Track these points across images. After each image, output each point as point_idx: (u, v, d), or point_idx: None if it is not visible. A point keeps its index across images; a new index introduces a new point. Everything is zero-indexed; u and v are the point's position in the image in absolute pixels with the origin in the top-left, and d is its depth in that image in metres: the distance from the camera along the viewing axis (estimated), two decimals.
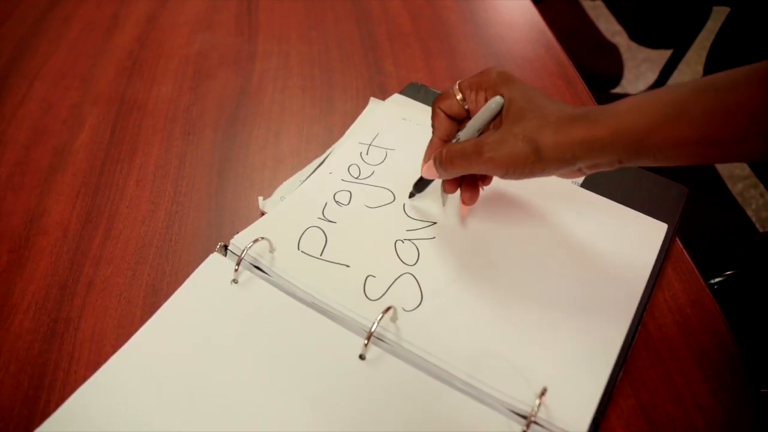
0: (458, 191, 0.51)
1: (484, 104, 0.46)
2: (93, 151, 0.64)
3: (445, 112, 0.49)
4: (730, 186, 0.96)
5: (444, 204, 0.55)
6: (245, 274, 0.49)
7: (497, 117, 0.45)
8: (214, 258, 0.50)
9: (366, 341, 0.43)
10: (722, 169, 1.08)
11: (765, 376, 0.45)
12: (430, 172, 0.49)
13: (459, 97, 0.47)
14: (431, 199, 0.56)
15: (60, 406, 0.42)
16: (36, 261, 0.53)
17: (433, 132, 0.50)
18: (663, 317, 0.49)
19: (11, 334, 0.48)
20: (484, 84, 0.46)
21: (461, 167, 0.45)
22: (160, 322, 0.46)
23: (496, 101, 0.44)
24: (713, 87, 0.35)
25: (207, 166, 0.62)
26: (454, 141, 0.48)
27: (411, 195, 0.56)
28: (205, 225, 0.56)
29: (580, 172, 0.42)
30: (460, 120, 0.49)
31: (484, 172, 0.45)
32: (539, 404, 0.40)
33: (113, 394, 0.42)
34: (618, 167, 0.40)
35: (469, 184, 0.50)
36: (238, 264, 0.48)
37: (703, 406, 0.43)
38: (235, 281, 0.48)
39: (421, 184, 0.54)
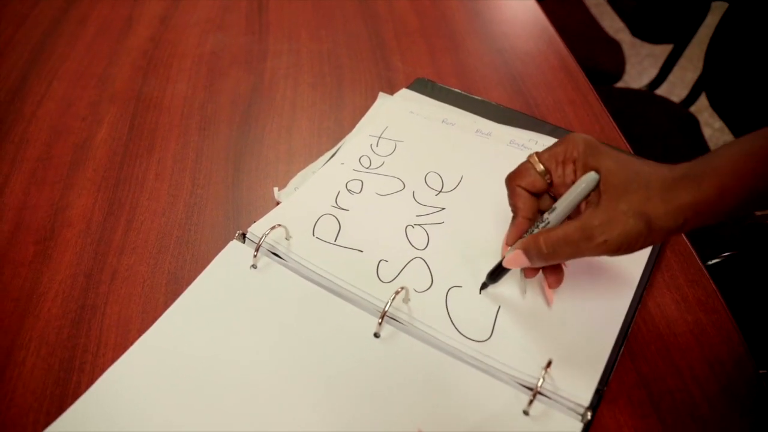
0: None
1: (572, 177, 0.43)
2: (112, 147, 0.66)
3: (527, 190, 0.45)
4: None
5: (525, 291, 0.50)
6: (263, 260, 0.51)
7: (591, 193, 0.42)
8: (234, 245, 0.52)
9: (380, 320, 0.46)
10: None
11: (762, 351, 0.47)
12: (519, 262, 0.44)
13: (540, 169, 0.44)
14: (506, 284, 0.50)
15: (90, 387, 0.44)
16: (61, 251, 0.56)
17: (515, 213, 0.46)
18: (662, 296, 0.51)
19: (41, 320, 0.50)
20: (571, 156, 0.43)
21: (566, 255, 0.41)
22: (183, 305, 0.49)
23: (591, 177, 0.41)
24: None
25: (223, 160, 0.64)
26: (542, 224, 0.44)
27: (483, 286, 0.49)
28: (222, 215, 0.58)
29: (682, 231, 0.39)
30: (539, 195, 0.46)
31: (592, 256, 0.40)
32: (545, 376, 0.42)
33: (140, 374, 0.45)
34: (724, 221, 0.38)
35: (554, 266, 0.46)
36: (256, 250, 0.50)
37: (700, 378, 0.46)
38: (254, 266, 0.51)
39: (498, 274, 0.48)
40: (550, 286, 0.47)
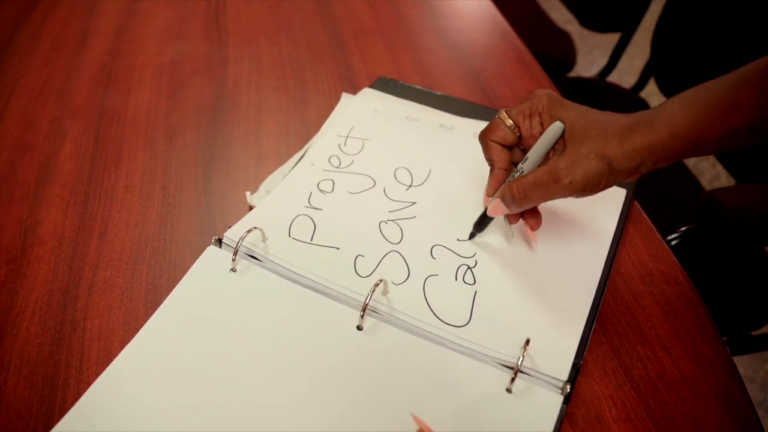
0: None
1: (540, 129, 0.47)
2: (79, 162, 0.66)
3: (499, 143, 0.49)
4: None
5: (512, 235, 0.54)
6: (242, 263, 0.52)
7: (558, 141, 0.46)
8: (211, 251, 0.53)
9: (362, 313, 0.47)
10: None
11: (721, 315, 0.50)
12: (499, 209, 0.48)
13: (510, 124, 0.48)
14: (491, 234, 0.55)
15: (76, 402, 0.44)
16: (35, 269, 0.55)
17: (492, 165, 0.50)
18: (628, 271, 0.54)
19: (20, 340, 0.50)
20: (536, 109, 0.47)
21: (538, 198, 0.45)
22: (165, 313, 0.49)
23: (557, 126, 0.45)
24: (747, 81, 0.39)
25: (192, 168, 0.65)
26: (516, 174, 0.48)
27: (471, 235, 0.54)
28: (196, 223, 0.59)
29: (639, 173, 0.43)
30: (511, 147, 0.50)
31: (560, 197, 0.45)
32: (524, 354, 0.44)
33: (127, 385, 0.45)
34: (674, 161, 0.43)
35: (532, 209, 0.51)
36: (235, 254, 0.51)
37: (668, 345, 0.48)
38: (233, 270, 0.51)
39: (483, 223, 0.53)
40: (532, 229, 0.51)
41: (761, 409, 1.32)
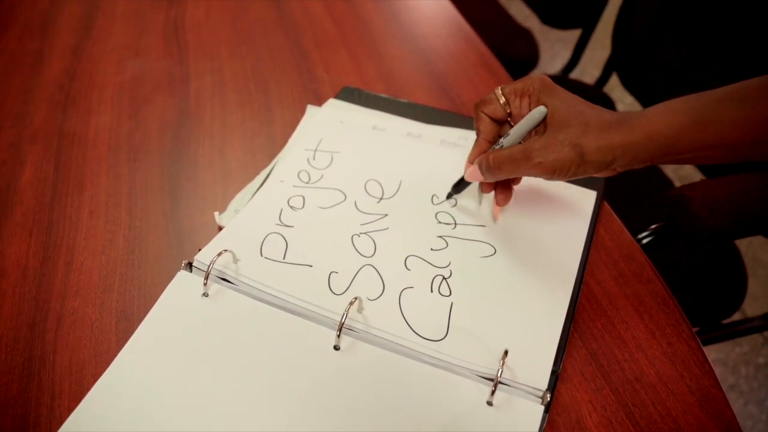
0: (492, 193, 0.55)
1: (527, 110, 0.49)
2: (39, 188, 0.64)
3: (489, 116, 0.51)
4: None
5: (480, 203, 0.59)
6: (214, 287, 0.51)
7: (540, 124, 0.48)
8: (182, 275, 0.52)
9: (338, 333, 0.47)
10: None
11: (693, 310, 0.51)
12: (475, 176, 0.52)
13: (502, 101, 0.50)
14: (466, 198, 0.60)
15: None
16: None
17: (478, 134, 0.53)
18: (601, 274, 0.54)
19: None
20: (528, 91, 0.49)
21: (509, 171, 0.48)
22: (138, 343, 0.48)
23: (540, 111, 0.47)
24: (730, 99, 0.40)
25: (158, 190, 0.63)
26: (497, 146, 0.51)
27: (449, 196, 0.59)
28: (165, 246, 0.58)
29: (614, 171, 0.45)
30: (501, 122, 0.52)
31: (530, 176, 0.47)
32: (502, 366, 0.44)
33: (100, 419, 0.44)
34: (647, 165, 0.44)
35: (504, 185, 0.54)
36: (206, 278, 0.50)
37: (644, 345, 0.49)
38: (205, 294, 0.50)
39: (460, 186, 0.57)
40: (498, 204, 0.54)
41: (734, 391, 1.35)
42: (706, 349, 0.49)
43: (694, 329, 0.51)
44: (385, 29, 0.87)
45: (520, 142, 0.49)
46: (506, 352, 0.45)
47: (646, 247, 0.56)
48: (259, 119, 0.72)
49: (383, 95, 0.73)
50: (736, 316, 0.83)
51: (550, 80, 0.49)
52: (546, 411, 0.44)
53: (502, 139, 0.51)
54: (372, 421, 0.43)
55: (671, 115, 0.42)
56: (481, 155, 0.51)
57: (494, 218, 0.57)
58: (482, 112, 0.52)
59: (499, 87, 0.51)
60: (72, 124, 0.72)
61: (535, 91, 0.48)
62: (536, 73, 0.50)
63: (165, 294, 0.51)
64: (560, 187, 0.60)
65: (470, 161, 0.53)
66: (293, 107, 0.73)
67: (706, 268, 0.83)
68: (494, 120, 0.51)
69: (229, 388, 0.45)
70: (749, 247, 1.62)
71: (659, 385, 0.47)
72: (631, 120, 0.43)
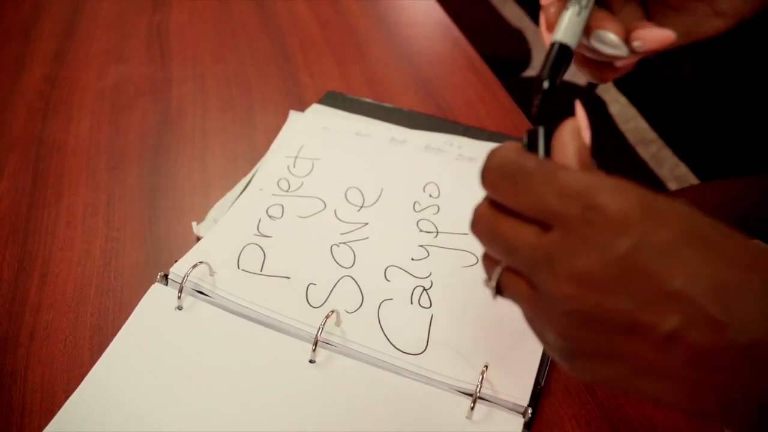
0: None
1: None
2: (16, 198, 0.63)
3: None
4: (640, 151, 1.03)
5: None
6: (189, 300, 0.50)
7: None
8: (156, 288, 0.51)
9: (313, 347, 0.45)
10: (630, 136, 1.16)
11: None
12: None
13: None
14: None
15: None
16: None
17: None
18: None
19: None
20: None
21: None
22: (110, 358, 0.47)
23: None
24: None
25: (137, 199, 0.62)
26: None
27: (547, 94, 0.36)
28: (142, 257, 0.56)
29: None
30: None
31: None
32: (482, 380, 0.43)
33: None
34: None
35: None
36: (180, 291, 0.49)
37: None
38: (179, 308, 0.49)
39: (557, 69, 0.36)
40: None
41: None
42: None
43: None
44: (371, 32, 0.86)
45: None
46: (486, 366, 0.44)
47: None
48: (241, 126, 0.70)
49: (368, 100, 0.72)
50: None
51: None
52: (527, 427, 0.43)
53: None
54: None
55: None
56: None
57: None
58: None
59: None
60: (51, 132, 0.71)
61: None
62: None
63: (139, 307, 0.50)
64: None
65: (548, 29, 0.38)
66: (276, 113, 0.72)
67: None
68: None
69: (201, 402, 0.44)
70: None
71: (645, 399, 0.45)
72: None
